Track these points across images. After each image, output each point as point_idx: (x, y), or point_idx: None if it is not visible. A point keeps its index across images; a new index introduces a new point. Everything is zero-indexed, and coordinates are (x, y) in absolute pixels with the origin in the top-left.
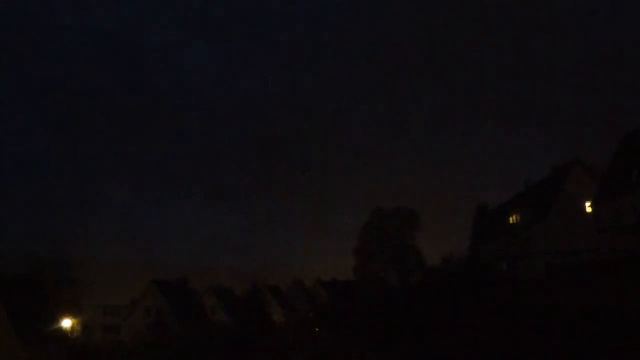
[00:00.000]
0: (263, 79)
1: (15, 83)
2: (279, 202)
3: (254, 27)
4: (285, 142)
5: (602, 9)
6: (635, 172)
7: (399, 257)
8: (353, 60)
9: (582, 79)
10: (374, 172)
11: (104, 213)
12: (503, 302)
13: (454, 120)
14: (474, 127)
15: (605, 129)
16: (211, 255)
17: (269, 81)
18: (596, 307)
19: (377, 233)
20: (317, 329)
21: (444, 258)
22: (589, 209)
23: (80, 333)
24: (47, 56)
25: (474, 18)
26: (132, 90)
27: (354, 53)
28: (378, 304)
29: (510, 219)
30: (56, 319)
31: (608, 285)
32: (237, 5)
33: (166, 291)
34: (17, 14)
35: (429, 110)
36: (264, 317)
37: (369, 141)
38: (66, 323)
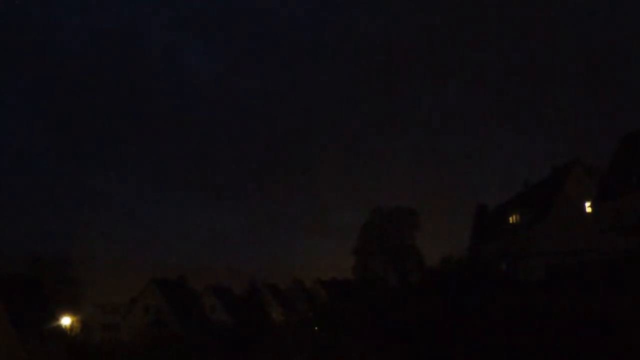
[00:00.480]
0: (263, 78)
1: (14, 82)
2: (278, 202)
3: (254, 27)
4: (285, 141)
5: (602, 9)
6: (635, 172)
7: (398, 257)
8: (353, 60)
9: (582, 79)
10: (374, 171)
11: (104, 212)
12: (503, 303)
13: (454, 120)
14: (474, 127)
15: (605, 129)
16: (211, 255)
17: (269, 81)
18: (596, 307)
19: (377, 233)
20: (316, 329)
21: (443, 258)
22: (589, 209)
23: (80, 331)
24: (46, 56)
25: (474, 18)
26: (132, 89)
27: (354, 53)
28: (377, 304)
29: (510, 219)
30: (56, 317)
31: (608, 286)
32: (237, 5)
33: (165, 290)
34: (16, 13)
35: (429, 110)
36: (263, 316)
37: (369, 141)
38: (65, 321)
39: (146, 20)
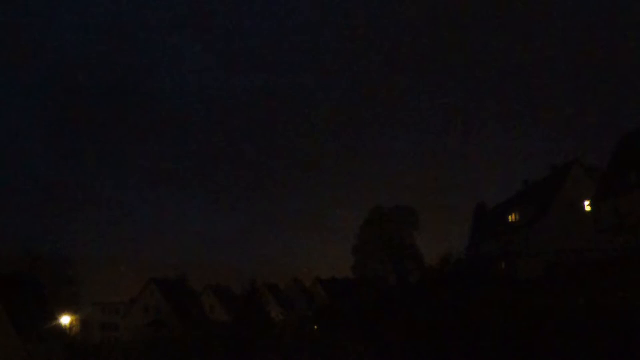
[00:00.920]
0: (263, 78)
1: (13, 82)
2: (278, 201)
3: (254, 26)
4: (284, 141)
5: (602, 9)
6: (634, 171)
7: (398, 256)
8: (353, 60)
9: (582, 79)
10: (373, 170)
11: (103, 212)
12: (502, 302)
13: (453, 119)
14: (473, 126)
15: (604, 128)
16: (210, 254)
17: (269, 81)
18: (595, 306)
19: (376, 232)
20: (315, 328)
21: (443, 257)
22: (588, 209)
23: (79, 330)
24: (45, 55)
25: (474, 18)
26: (131, 89)
27: (354, 53)
28: (377, 303)
29: (510, 218)
30: (55, 316)
31: (607, 285)
32: (237, 4)
33: (165, 290)
34: (16, 13)
35: (428, 109)
36: (263, 316)
37: (368, 140)
38: (65, 320)
39: (146, 20)
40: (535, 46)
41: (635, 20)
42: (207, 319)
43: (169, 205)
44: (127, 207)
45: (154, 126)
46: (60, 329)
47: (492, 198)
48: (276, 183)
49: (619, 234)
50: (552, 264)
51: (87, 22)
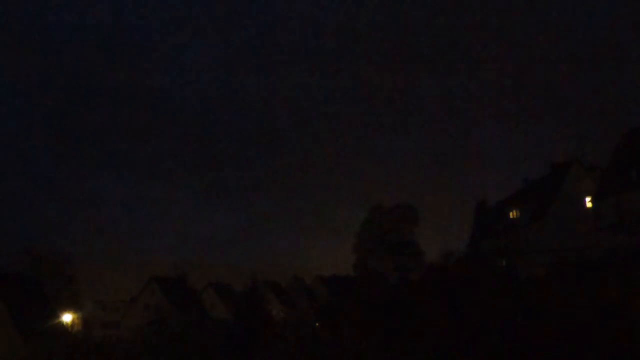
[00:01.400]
0: (262, 78)
1: (13, 81)
2: (279, 199)
3: (254, 26)
4: (285, 139)
5: (602, 8)
6: (635, 169)
7: (398, 254)
8: (353, 60)
9: (582, 78)
10: (374, 169)
11: (104, 210)
12: (502, 300)
13: (454, 118)
14: (474, 125)
15: (604, 126)
16: (211, 252)
17: (269, 80)
18: (596, 304)
19: (377, 230)
20: (317, 325)
21: (443, 255)
22: (588, 206)
23: (81, 328)
24: (45, 55)
25: (474, 17)
26: (132, 88)
27: (354, 53)
28: (377, 301)
29: (510, 215)
30: (56, 314)
31: (608, 283)
32: (237, 4)
33: (166, 288)
34: (16, 13)
35: (429, 108)
36: (264, 314)
37: (369, 139)
38: (67, 318)
39: (145, 20)
40: (535, 46)
41: (636, 20)
42: (208, 317)
43: (170, 204)
44: (127, 206)
45: (154, 125)
46: (61, 327)
47: (493, 196)
48: (277, 182)
49: (619, 232)
50: (552, 262)
51: (87, 23)
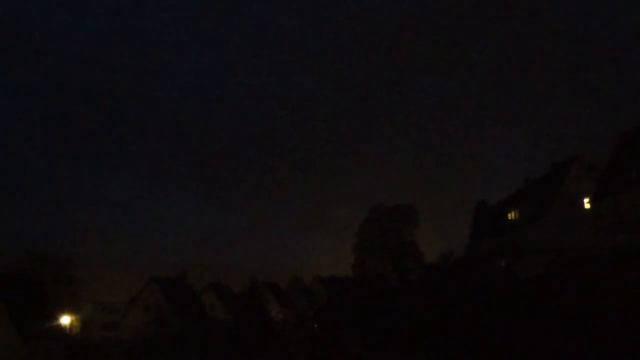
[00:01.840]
0: (262, 77)
1: (12, 81)
2: (278, 200)
3: (253, 26)
4: (284, 139)
5: (602, 8)
6: (634, 169)
7: (398, 255)
8: (353, 60)
9: (582, 78)
10: (373, 169)
11: (103, 210)
12: (502, 300)
13: (454, 118)
14: (474, 125)
15: (604, 126)
16: (210, 253)
17: (268, 80)
18: (596, 304)
19: (376, 230)
20: (316, 326)
21: (443, 255)
22: (588, 207)
23: (79, 330)
24: (45, 55)
25: (474, 17)
26: (131, 89)
27: (354, 53)
28: (377, 302)
29: (510, 216)
30: (55, 316)
31: (607, 283)
32: (236, 5)
33: (165, 288)
34: (14, 13)
35: (429, 108)
36: (263, 314)
37: (368, 139)
38: (65, 320)
39: (144, 20)
40: (535, 46)
41: (635, 20)
42: (208, 318)
43: (169, 204)
44: (127, 207)
45: (154, 125)
46: (60, 328)
47: (493, 196)
48: (276, 182)
49: (619, 232)
50: (552, 262)
51: (87, 22)
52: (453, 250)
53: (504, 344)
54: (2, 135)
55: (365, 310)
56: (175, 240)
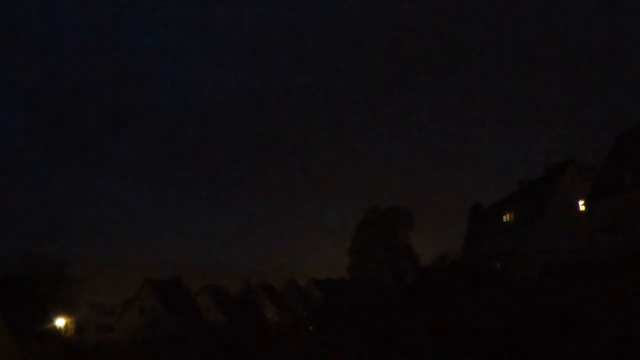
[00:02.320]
0: (262, 78)
1: (12, 81)
2: (273, 202)
3: (253, 26)
4: (280, 141)
5: (600, 9)
6: (630, 171)
7: (393, 257)
8: (352, 60)
9: (577, 79)
10: (369, 171)
11: (99, 212)
12: (497, 302)
13: (448, 120)
14: (469, 127)
15: (599, 128)
16: (205, 255)
17: (266, 80)
18: (591, 306)
19: (372, 232)
20: (311, 329)
21: (438, 257)
22: (583, 208)
23: (74, 332)
24: (45, 55)
25: (473, 18)
26: (131, 89)
27: (353, 53)
28: (372, 304)
29: (505, 217)
30: (50, 318)
31: (602, 285)
32: (235, 5)
33: (161, 291)
34: (13, 13)
35: (424, 110)
36: (258, 316)
37: (363, 140)
38: (60, 322)
39: (143, 20)
40: (533, 46)
41: (632, 21)
42: (203, 320)
43: (165, 205)
44: (124, 207)
45: (151, 125)
46: (55, 330)
47: (488, 198)
48: (272, 184)
49: (614, 233)
50: (547, 264)
51: (87, 22)
52: (448, 252)
53: (500, 345)
54: (1, 135)
55: (361, 312)
56: (171, 242)
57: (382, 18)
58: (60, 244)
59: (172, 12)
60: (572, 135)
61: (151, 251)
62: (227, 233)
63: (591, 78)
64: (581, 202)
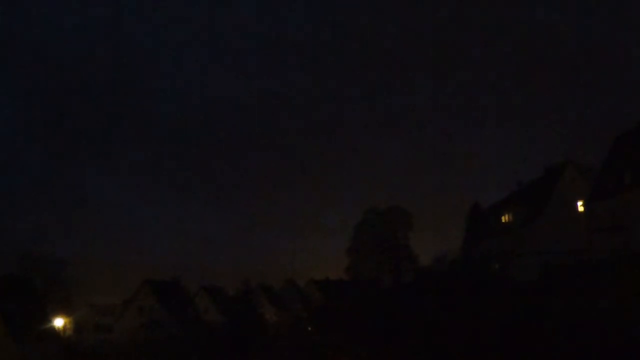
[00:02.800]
0: (261, 79)
1: (8, 81)
2: (272, 202)
3: (252, 26)
4: (279, 141)
5: (600, 9)
6: (629, 172)
7: (392, 257)
8: (351, 60)
9: (576, 80)
10: (367, 171)
11: (97, 213)
12: (496, 302)
13: (447, 121)
14: (468, 127)
15: (598, 129)
16: (204, 255)
17: (265, 81)
18: (589, 307)
19: (371, 233)
20: (310, 329)
21: (437, 258)
22: (581, 209)
23: (73, 332)
24: (45, 55)
25: (472, 18)
26: (128, 91)
27: (353, 53)
28: (371, 304)
29: (504, 218)
30: (48, 318)
31: (601, 286)
32: (235, 5)
33: (159, 291)
34: (13, 13)
35: (423, 110)
36: (257, 317)
37: (362, 141)
38: (58, 322)
39: (143, 20)
40: (533, 46)
41: (633, 21)
42: (202, 320)
43: (163, 206)
44: (121, 208)
45: (150, 126)
46: (54, 330)
47: (487, 198)
48: (271, 184)
49: (614, 234)
50: (546, 264)
51: (87, 22)
52: (447, 252)
53: (499, 345)
54: (1, 135)
55: (360, 312)
56: (169, 243)
57: (382, 18)
58: (59, 244)
59: (173, 13)
60: (572, 136)
61: (150, 251)
62: (227, 233)
63: (591, 78)
64: (580, 203)
